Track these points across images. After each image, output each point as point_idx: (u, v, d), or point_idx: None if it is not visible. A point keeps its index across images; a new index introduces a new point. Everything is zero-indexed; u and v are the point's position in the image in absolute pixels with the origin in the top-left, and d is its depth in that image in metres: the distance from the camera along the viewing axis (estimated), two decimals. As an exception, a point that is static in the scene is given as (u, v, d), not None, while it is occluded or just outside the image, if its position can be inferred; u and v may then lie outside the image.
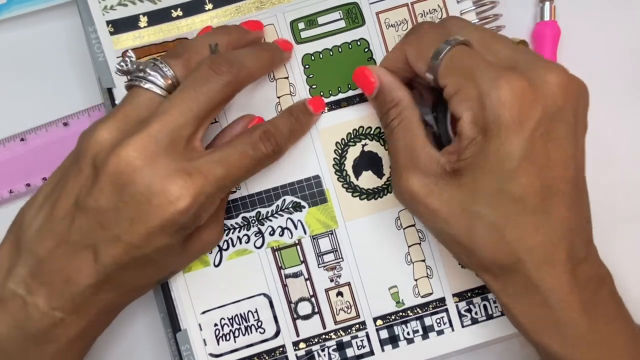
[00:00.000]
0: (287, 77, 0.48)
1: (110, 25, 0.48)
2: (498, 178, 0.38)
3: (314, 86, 0.48)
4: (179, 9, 0.48)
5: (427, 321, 0.47)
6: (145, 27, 0.48)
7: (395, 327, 0.47)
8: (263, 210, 0.47)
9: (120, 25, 0.48)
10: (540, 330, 0.40)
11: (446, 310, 0.47)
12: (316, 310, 0.47)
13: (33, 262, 0.40)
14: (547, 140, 0.38)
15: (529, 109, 0.37)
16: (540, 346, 0.40)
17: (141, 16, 0.48)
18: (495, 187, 0.38)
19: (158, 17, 0.48)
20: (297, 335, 0.47)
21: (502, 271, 0.40)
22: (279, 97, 0.48)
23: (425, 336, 0.47)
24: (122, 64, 0.43)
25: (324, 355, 0.47)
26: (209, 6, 0.48)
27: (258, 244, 0.47)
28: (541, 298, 0.39)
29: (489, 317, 0.47)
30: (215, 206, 0.42)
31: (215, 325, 0.47)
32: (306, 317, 0.48)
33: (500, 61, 0.39)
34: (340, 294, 0.48)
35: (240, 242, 0.47)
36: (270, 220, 0.47)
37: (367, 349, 0.47)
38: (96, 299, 0.41)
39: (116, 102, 0.47)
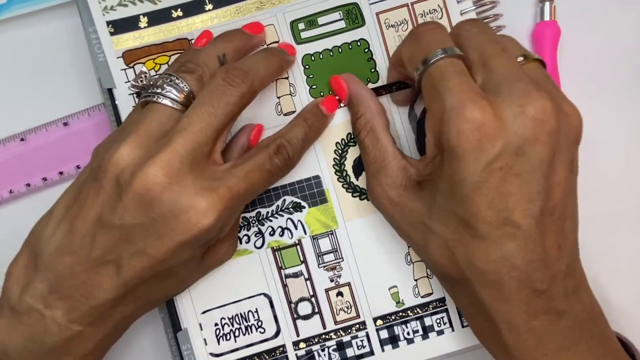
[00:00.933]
0: (287, 77, 0.48)
1: (110, 25, 0.48)
2: (450, 200, 0.39)
3: (314, 86, 0.48)
4: (179, 9, 0.48)
5: (427, 321, 0.47)
6: (145, 27, 0.48)
7: (395, 327, 0.47)
8: (263, 211, 0.48)
9: (121, 26, 0.48)
10: (487, 340, 0.42)
11: (446, 311, 0.47)
12: (316, 310, 0.48)
13: (52, 278, 0.40)
14: (507, 173, 0.37)
15: (488, 140, 0.37)
16: (490, 353, 0.42)
17: (141, 16, 0.48)
18: (448, 207, 0.39)
19: (158, 17, 0.48)
20: (297, 335, 0.48)
21: (453, 283, 0.41)
22: (279, 98, 0.48)
23: (425, 336, 0.47)
24: (138, 81, 0.43)
25: (324, 355, 0.48)
26: (209, 6, 0.48)
27: (258, 244, 0.47)
28: (486, 314, 0.40)
29: (489, 317, 0.47)
30: (234, 219, 0.44)
31: (216, 324, 0.47)
32: (306, 317, 0.48)
33: (488, 82, 0.39)
34: (340, 294, 0.48)
35: (241, 242, 0.47)
36: (271, 221, 0.48)
37: (367, 349, 0.48)
38: (114, 312, 0.41)
39: (116, 102, 0.47)
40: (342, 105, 0.47)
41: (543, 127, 0.37)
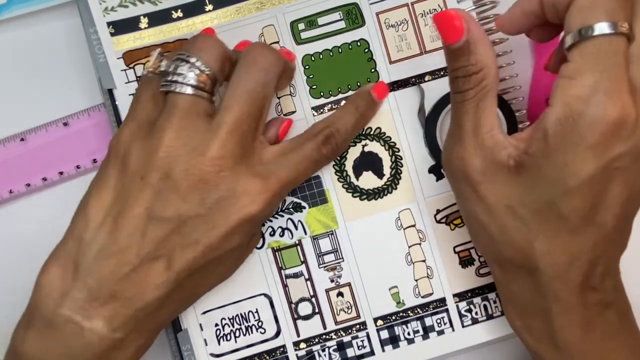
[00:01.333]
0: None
1: (110, 26, 0.48)
2: (554, 190, 0.37)
3: (314, 86, 0.48)
4: (179, 10, 0.48)
5: (428, 321, 0.47)
6: (145, 28, 0.48)
7: (395, 328, 0.47)
8: (263, 211, 0.48)
9: (121, 27, 0.48)
10: (534, 335, 0.41)
11: (446, 311, 0.47)
12: (317, 310, 0.47)
13: (94, 285, 0.39)
14: (618, 175, 0.36)
15: (619, 139, 0.35)
16: (532, 350, 0.41)
17: (142, 17, 0.48)
18: (548, 197, 0.37)
19: (158, 18, 0.48)
20: (298, 335, 0.48)
21: (515, 269, 0.40)
22: (279, 98, 0.48)
23: (425, 336, 0.47)
24: (153, 65, 0.43)
25: (325, 355, 0.48)
26: (209, 7, 0.48)
27: (258, 244, 0.47)
28: (543, 305, 0.39)
29: (490, 317, 0.47)
30: (277, 206, 0.46)
31: (216, 325, 0.47)
32: (307, 318, 0.48)
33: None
34: (340, 294, 0.48)
35: (241, 243, 0.47)
36: (271, 221, 0.47)
37: (367, 349, 0.48)
38: (158, 314, 0.41)
39: (117, 102, 0.47)
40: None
41: None
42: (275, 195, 0.42)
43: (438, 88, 0.47)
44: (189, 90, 0.40)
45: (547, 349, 0.40)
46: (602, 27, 0.35)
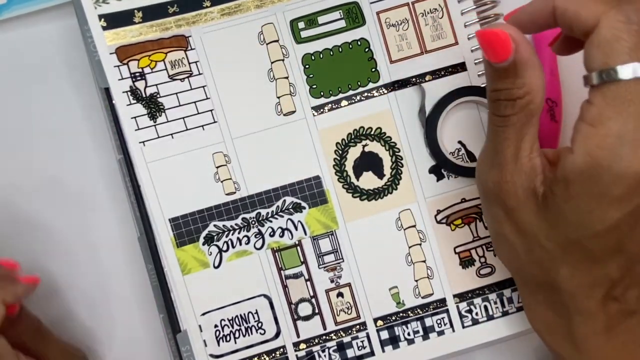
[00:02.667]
0: (287, 77, 0.47)
1: (102, 19, 0.46)
2: (579, 231, 0.36)
3: (314, 86, 0.47)
4: (175, 5, 0.47)
5: (428, 322, 0.48)
6: (140, 22, 0.47)
7: (395, 328, 0.48)
8: (263, 211, 0.47)
9: (114, 20, 0.46)
10: (556, 338, 0.41)
11: (447, 311, 0.48)
12: (316, 311, 0.47)
13: None
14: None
15: (636, 193, 0.34)
16: (554, 351, 0.41)
17: (136, 11, 0.47)
18: (573, 237, 0.37)
19: (154, 12, 0.47)
20: (298, 336, 0.47)
21: (538, 284, 0.40)
22: (278, 98, 0.47)
23: (425, 337, 0.48)
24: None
25: (325, 355, 0.48)
26: (207, 3, 0.47)
27: (258, 245, 0.47)
28: (565, 314, 0.39)
29: (490, 317, 0.48)
30: None
31: (216, 326, 0.47)
32: (306, 318, 0.47)
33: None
34: (340, 294, 0.48)
35: (240, 243, 0.47)
36: (271, 221, 0.47)
37: (367, 350, 0.48)
38: None
39: (114, 101, 0.46)
40: (345, 104, 0.47)
41: None
42: None
43: (439, 88, 0.47)
44: None
45: (570, 352, 0.40)
46: (626, 71, 0.33)
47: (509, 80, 0.37)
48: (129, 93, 0.47)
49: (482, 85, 0.47)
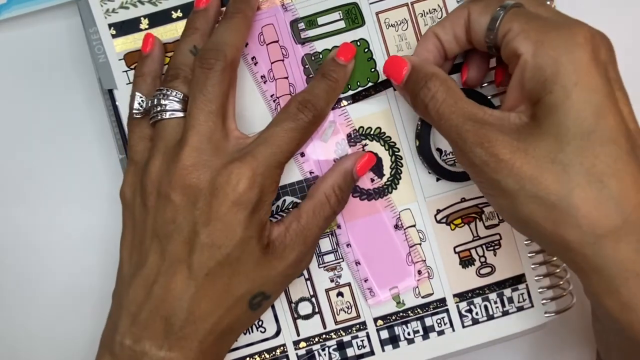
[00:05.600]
0: (287, 77, 0.48)
1: (112, 28, 0.48)
2: (585, 116, 0.35)
3: (314, 86, 0.48)
4: (179, 10, 0.48)
5: (428, 321, 0.47)
6: (146, 29, 0.48)
7: (395, 327, 0.47)
8: (263, 211, 0.48)
9: (122, 28, 0.48)
10: (602, 294, 0.36)
11: (447, 311, 0.47)
12: (317, 310, 0.48)
13: (134, 309, 0.42)
14: (615, 87, 0.37)
15: (599, 50, 0.36)
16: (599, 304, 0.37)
17: (142, 18, 0.48)
18: (583, 127, 0.35)
19: (159, 19, 0.48)
20: (298, 334, 0.48)
21: (602, 240, 0.35)
22: (278, 97, 0.48)
23: (425, 336, 0.47)
24: (138, 107, 0.45)
25: (325, 354, 0.48)
26: (209, 7, 0.48)
27: (259, 244, 0.47)
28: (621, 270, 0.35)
29: (490, 317, 0.47)
30: (275, 184, 0.43)
31: (217, 325, 0.47)
32: (307, 317, 0.48)
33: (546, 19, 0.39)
34: (340, 294, 0.48)
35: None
36: (271, 221, 0.47)
37: (367, 349, 0.48)
38: (194, 328, 0.41)
39: (117, 102, 0.48)
40: (345, 104, 0.47)
41: (611, 47, 0.38)
42: (256, 174, 0.41)
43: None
44: (167, 115, 0.44)
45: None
46: (507, 3, 0.40)
47: (412, 84, 0.42)
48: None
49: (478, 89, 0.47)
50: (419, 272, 0.47)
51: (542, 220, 0.36)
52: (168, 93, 0.44)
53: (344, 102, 0.47)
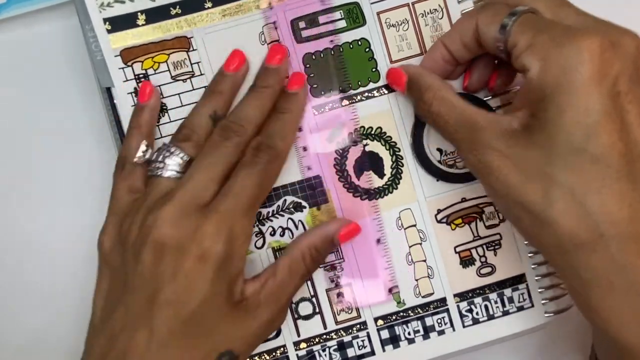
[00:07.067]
0: (287, 77, 0.47)
1: (107, 22, 0.47)
2: (575, 135, 0.35)
3: (315, 85, 0.47)
4: (177, 7, 0.47)
5: (428, 321, 0.48)
6: (143, 25, 0.47)
7: (396, 327, 0.48)
8: (264, 211, 0.47)
9: (118, 23, 0.47)
10: (622, 323, 0.36)
11: (447, 311, 0.48)
12: (317, 310, 0.47)
13: None
14: (625, 100, 0.35)
15: (608, 65, 0.35)
16: (618, 340, 0.37)
17: (139, 14, 0.47)
18: (573, 145, 0.35)
19: (156, 14, 0.47)
20: (298, 335, 0.48)
21: (579, 250, 0.36)
22: (279, 97, 0.47)
23: (426, 336, 0.48)
24: (141, 156, 0.45)
25: (325, 355, 0.48)
26: (209, 4, 0.47)
27: (259, 244, 0.47)
28: (626, 283, 0.35)
29: (491, 317, 0.48)
30: (246, 235, 0.43)
31: (216, 325, 0.47)
32: (307, 317, 0.48)
33: (572, 24, 0.38)
34: (340, 294, 0.48)
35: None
36: (271, 221, 0.47)
37: (368, 349, 0.48)
38: None
39: (115, 101, 0.47)
40: (345, 104, 0.47)
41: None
42: (220, 229, 0.41)
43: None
44: (167, 174, 0.43)
45: (631, 335, 0.37)
46: (517, 10, 0.39)
47: (413, 91, 0.45)
48: (134, 94, 0.47)
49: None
50: (390, 290, 0.48)
51: (527, 225, 0.38)
52: (174, 152, 0.44)
53: (345, 102, 0.47)
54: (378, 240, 0.47)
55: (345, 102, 0.47)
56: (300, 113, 0.47)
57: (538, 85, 0.37)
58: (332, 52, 0.47)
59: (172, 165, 0.43)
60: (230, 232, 0.41)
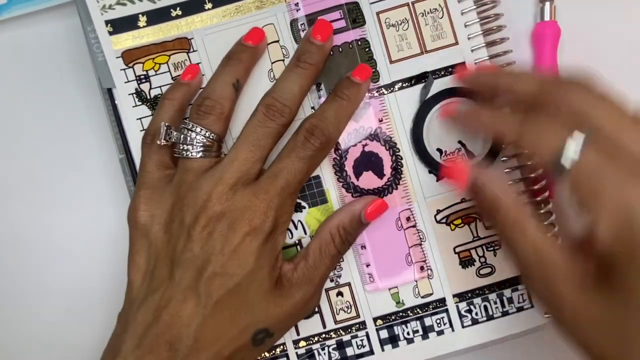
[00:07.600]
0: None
1: (109, 24, 0.47)
2: None
3: (315, 85, 0.47)
4: (178, 8, 0.48)
5: (427, 321, 0.48)
6: (144, 26, 0.48)
7: (395, 327, 0.48)
8: (263, 211, 0.47)
9: (120, 25, 0.47)
10: None
11: (446, 311, 0.48)
12: (316, 309, 0.48)
13: (140, 332, 0.41)
14: None
15: None
16: None
17: (140, 15, 0.48)
18: None
19: (157, 16, 0.48)
20: (298, 333, 0.48)
21: None
22: (279, 97, 0.47)
23: (425, 336, 0.48)
24: (166, 136, 0.45)
25: (324, 353, 0.48)
26: (209, 5, 0.48)
27: (259, 244, 0.47)
28: None
29: (490, 317, 0.47)
30: (288, 214, 0.45)
31: (216, 325, 0.47)
32: (306, 316, 0.48)
33: (631, 162, 0.36)
34: (340, 293, 0.48)
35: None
36: (271, 221, 0.47)
37: (367, 349, 0.48)
38: (197, 356, 0.41)
39: (116, 102, 0.47)
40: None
41: None
42: (269, 208, 0.43)
43: (439, 88, 0.47)
44: (199, 155, 0.44)
45: None
46: (574, 152, 0.36)
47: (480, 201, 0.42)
48: (135, 95, 0.47)
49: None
50: (421, 268, 0.48)
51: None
52: (197, 131, 0.44)
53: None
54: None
55: (376, 93, 0.47)
56: (357, 105, 0.47)
57: (609, 251, 0.35)
58: (332, 52, 0.47)
59: (198, 146, 0.44)
60: (276, 212, 0.43)
